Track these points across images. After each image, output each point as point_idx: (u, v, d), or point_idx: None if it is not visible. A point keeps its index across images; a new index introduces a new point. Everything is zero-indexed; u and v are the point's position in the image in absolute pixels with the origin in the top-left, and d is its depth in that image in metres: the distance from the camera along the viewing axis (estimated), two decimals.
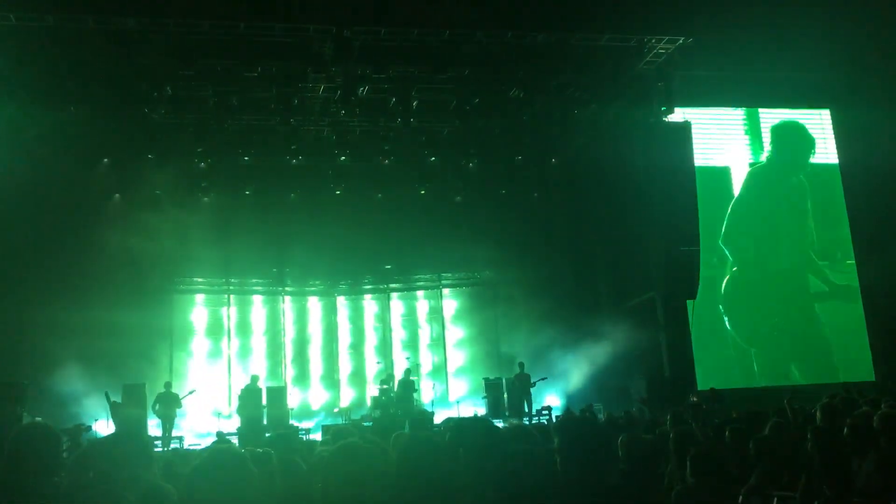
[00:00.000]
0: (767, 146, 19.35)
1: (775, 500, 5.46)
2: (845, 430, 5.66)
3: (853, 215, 18.83)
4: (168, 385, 16.33)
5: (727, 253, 18.75)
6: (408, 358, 19.74)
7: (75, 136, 16.69)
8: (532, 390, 17.72)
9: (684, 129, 16.65)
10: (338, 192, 19.35)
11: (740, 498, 5.52)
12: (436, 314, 21.31)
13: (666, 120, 16.74)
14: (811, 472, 5.32)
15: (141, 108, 15.88)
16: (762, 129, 19.42)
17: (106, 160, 17.85)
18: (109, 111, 15.99)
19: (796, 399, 9.02)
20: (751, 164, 19.29)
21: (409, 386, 17.92)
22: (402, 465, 2.89)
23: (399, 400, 17.48)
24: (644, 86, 16.52)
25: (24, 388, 14.57)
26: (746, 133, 19.44)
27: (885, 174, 18.12)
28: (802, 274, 18.93)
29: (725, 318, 18.58)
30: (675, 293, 16.87)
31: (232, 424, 16.68)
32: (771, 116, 19.48)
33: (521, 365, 17.86)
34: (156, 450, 12.49)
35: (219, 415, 18.08)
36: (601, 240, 19.71)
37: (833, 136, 19.39)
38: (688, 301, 17.03)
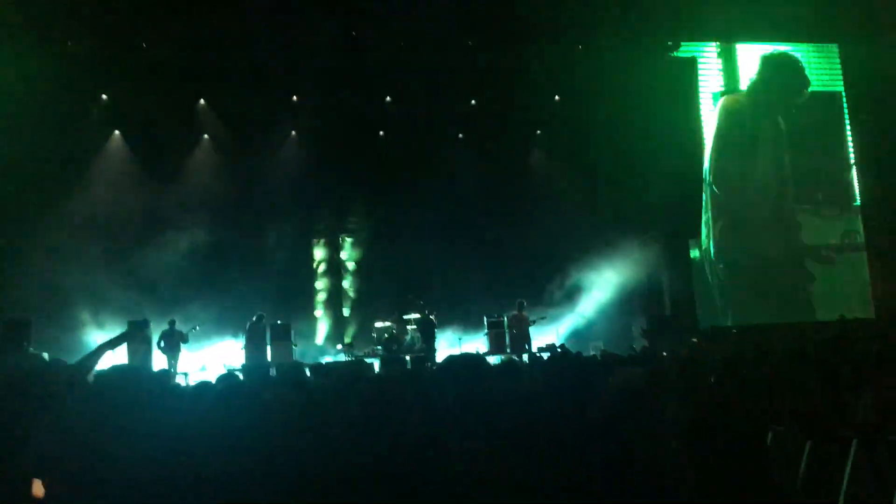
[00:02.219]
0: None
1: (770, 435, 5.52)
2: (843, 365, 5.70)
3: (860, 148, 18.50)
4: (172, 322, 16.44)
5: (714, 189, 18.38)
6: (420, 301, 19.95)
7: (74, 72, 16.49)
8: (532, 329, 17.85)
9: (690, 64, 16.39)
10: (339, 130, 19.14)
11: (742, 431, 5.57)
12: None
13: (672, 55, 16.49)
14: (809, 407, 5.37)
15: (139, 44, 15.66)
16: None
17: (104, 96, 17.67)
18: (107, 47, 15.79)
19: (790, 337, 9.08)
20: (723, 93, 18.67)
21: (429, 325, 18.10)
22: (395, 399, 2.91)
23: (424, 339, 17.76)
24: (651, 20, 16.22)
25: (29, 323, 14.70)
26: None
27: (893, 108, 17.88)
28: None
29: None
30: (678, 232, 16.85)
31: (236, 360, 16.85)
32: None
33: (521, 303, 17.94)
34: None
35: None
36: (604, 179, 19.56)
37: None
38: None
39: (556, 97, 19.84)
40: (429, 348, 17.58)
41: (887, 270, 17.79)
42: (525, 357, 15.84)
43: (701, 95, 17.47)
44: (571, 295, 18.85)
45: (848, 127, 18.68)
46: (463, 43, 16.66)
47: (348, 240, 20.90)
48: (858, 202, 18.44)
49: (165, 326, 16.35)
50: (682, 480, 3.70)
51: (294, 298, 19.54)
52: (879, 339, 9.06)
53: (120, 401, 3.38)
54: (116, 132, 18.08)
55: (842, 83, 18.66)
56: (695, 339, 13.94)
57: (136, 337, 15.69)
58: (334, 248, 20.71)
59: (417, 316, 18.67)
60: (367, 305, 20.42)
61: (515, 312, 17.91)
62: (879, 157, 18.10)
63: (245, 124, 18.69)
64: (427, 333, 17.95)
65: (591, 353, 15.01)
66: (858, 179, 18.42)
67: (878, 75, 18.11)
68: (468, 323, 19.72)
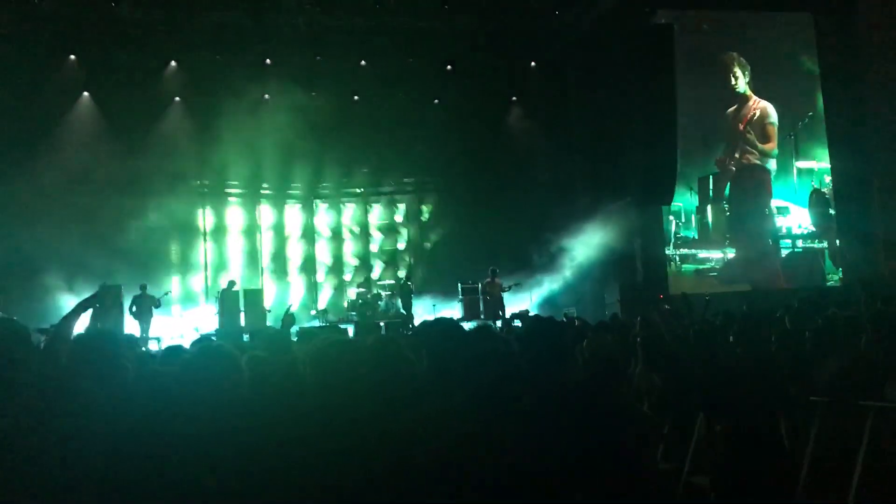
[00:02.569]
0: None
1: (739, 399, 5.60)
2: (808, 333, 5.79)
3: (832, 126, 18.65)
4: (144, 287, 16.29)
5: None
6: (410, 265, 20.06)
7: (41, 31, 16.13)
8: (505, 295, 17.94)
9: (667, 31, 16.34)
10: (313, 94, 18.95)
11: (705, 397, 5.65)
12: (413, 218, 21.31)
13: (649, 22, 16.44)
14: (773, 374, 5.45)
15: (108, 3, 15.31)
16: None
17: (73, 56, 17.31)
18: (76, 5, 15.45)
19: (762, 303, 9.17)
20: None
21: (406, 291, 18.21)
22: (370, 365, 2.92)
23: (404, 305, 17.95)
24: None
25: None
26: None
27: (867, 83, 18.00)
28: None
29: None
30: (651, 199, 16.91)
31: (209, 325, 16.79)
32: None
33: (493, 271, 18.00)
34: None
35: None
36: (580, 144, 19.58)
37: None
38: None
39: (532, 63, 19.79)
40: (407, 314, 17.71)
41: (854, 236, 18.05)
42: (499, 323, 15.95)
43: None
44: (545, 261, 18.91)
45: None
46: (440, 6, 16.47)
47: (322, 205, 20.82)
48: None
49: (137, 291, 16.20)
50: (648, 443, 3.76)
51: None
52: (848, 304, 9.22)
53: (95, 365, 3.36)
54: (85, 94, 17.75)
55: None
56: (667, 307, 14.04)
57: (107, 300, 15.54)
58: (308, 213, 20.63)
59: (391, 282, 18.67)
60: (341, 271, 20.45)
61: (489, 279, 17.96)
62: (854, 130, 18.27)
63: (217, 87, 18.42)
64: (405, 299, 18.07)
65: (563, 319, 15.13)
66: (831, 157, 18.60)
67: (852, 47, 18.24)
68: (443, 289, 19.80)
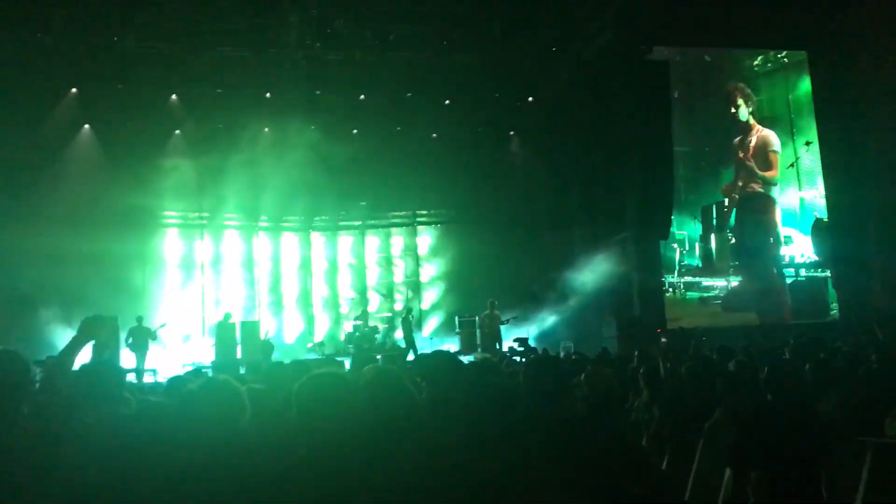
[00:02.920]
0: None
1: (737, 432, 5.58)
2: (808, 367, 5.79)
3: (827, 164, 18.76)
4: (140, 319, 16.25)
5: None
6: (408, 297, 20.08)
7: (43, 64, 16.26)
8: (503, 328, 17.91)
9: (663, 66, 16.52)
10: (312, 127, 19.10)
11: (704, 432, 5.64)
12: (410, 251, 21.35)
13: (645, 59, 16.62)
14: (773, 409, 5.43)
15: (110, 37, 15.46)
16: None
17: (74, 90, 17.45)
18: (78, 39, 15.59)
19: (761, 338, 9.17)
20: None
21: (408, 323, 18.26)
22: (368, 397, 2.91)
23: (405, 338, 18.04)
24: (624, 24, 16.35)
25: None
26: None
27: (860, 116, 18.16)
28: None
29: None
30: (648, 233, 16.96)
31: (205, 357, 16.73)
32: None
33: (493, 303, 17.98)
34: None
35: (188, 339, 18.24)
36: (577, 179, 19.70)
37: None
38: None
39: (530, 98, 19.98)
40: (409, 346, 17.69)
41: (849, 275, 18.05)
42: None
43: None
44: (543, 294, 18.93)
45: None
46: (438, 42, 16.65)
47: (320, 237, 20.88)
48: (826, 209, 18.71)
49: (133, 323, 16.15)
50: (650, 478, 3.74)
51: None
52: (847, 339, 9.23)
53: (96, 398, 3.36)
54: (86, 126, 17.86)
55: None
56: (664, 340, 14.02)
57: (103, 332, 15.44)
58: (306, 246, 20.67)
59: (388, 314, 18.66)
60: (337, 304, 20.44)
61: (487, 311, 17.94)
62: (848, 166, 18.38)
63: (217, 120, 18.58)
64: (407, 331, 18.06)
65: (561, 353, 15.10)
66: (826, 189, 18.67)
67: (847, 83, 18.42)
68: (440, 321, 19.82)
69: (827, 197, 18.64)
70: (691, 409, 5.50)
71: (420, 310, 20.70)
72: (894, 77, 17.05)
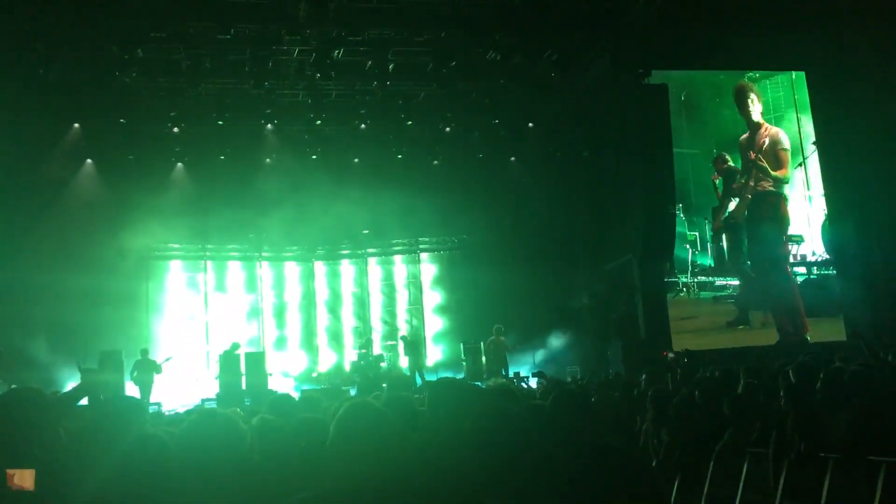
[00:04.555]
0: None
1: (748, 456, 5.55)
2: (818, 386, 5.75)
3: (828, 184, 18.73)
4: (145, 352, 16.23)
5: None
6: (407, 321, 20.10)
7: (45, 100, 16.39)
8: (509, 354, 17.86)
9: (662, 90, 16.60)
10: (314, 157, 19.21)
11: (714, 455, 5.61)
12: (413, 279, 21.34)
13: (644, 83, 16.70)
14: (784, 428, 5.41)
15: (112, 72, 15.59)
16: None
17: (77, 125, 17.58)
18: (80, 75, 15.73)
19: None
20: None
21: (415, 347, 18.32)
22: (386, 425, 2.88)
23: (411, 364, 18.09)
24: (622, 49, 16.47)
25: (1, 354, 14.47)
26: None
27: (860, 137, 18.18)
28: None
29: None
30: (653, 255, 16.94)
31: (211, 390, 16.67)
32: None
33: (499, 329, 17.93)
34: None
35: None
36: (579, 203, 19.75)
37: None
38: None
39: (530, 124, 20.09)
40: (415, 373, 17.67)
41: (857, 296, 17.97)
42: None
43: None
44: (547, 319, 18.90)
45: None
46: (438, 70, 16.77)
47: (323, 266, 20.89)
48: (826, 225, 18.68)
49: (138, 356, 16.12)
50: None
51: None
52: (853, 358, 9.16)
53: (100, 434, 3.34)
54: (89, 160, 17.97)
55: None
56: (671, 354, 13.93)
57: (105, 370, 15.53)
58: (309, 275, 20.68)
59: (393, 343, 18.62)
60: (342, 333, 20.41)
61: (493, 338, 17.87)
62: (848, 185, 18.38)
63: (219, 151, 18.68)
64: (414, 358, 18.07)
65: (567, 378, 15.04)
66: (827, 205, 18.63)
67: (846, 103, 18.46)
68: (446, 348, 19.78)
69: (829, 213, 18.61)
70: (701, 432, 5.47)
71: (423, 336, 20.69)
72: (893, 96, 17.10)
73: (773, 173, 18.44)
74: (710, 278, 18.09)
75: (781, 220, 18.43)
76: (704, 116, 18.72)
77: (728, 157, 18.38)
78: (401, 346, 19.22)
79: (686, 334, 16.77)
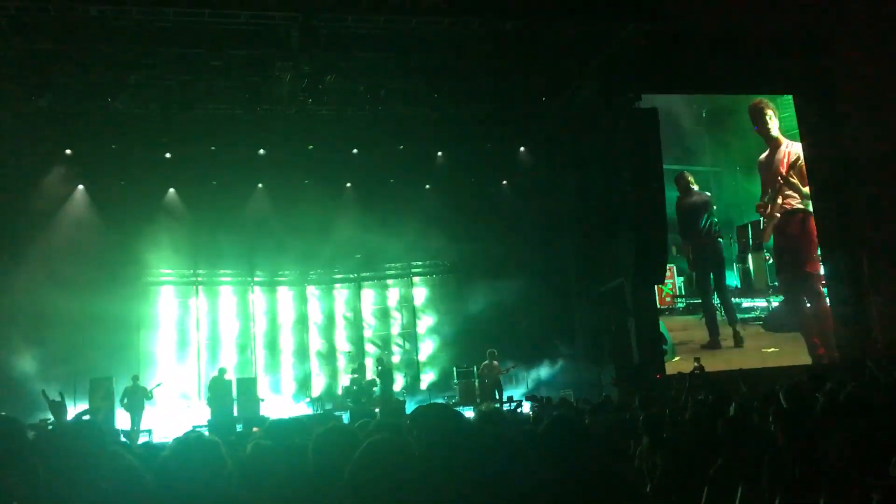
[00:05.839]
0: None
1: (743, 480, 5.52)
2: (813, 409, 5.74)
3: (818, 207, 18.79)
4: (136, 378, 16.15)
5: None
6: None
7: (37, 126, 16.40)
8: (502, 378, 17.81)
9: (651, 115, 16.71)
10: (306, 182, 19.21)
11: (708, 479, 5.58)
12: (406, 302, 21.30)
13: (634, 107, 16.82)
14: (776, 453, 5.38)
15: (104, 98, 15.62)
16: None
17: (69, 151, 17.59)
18: (72, 101, 15.75)
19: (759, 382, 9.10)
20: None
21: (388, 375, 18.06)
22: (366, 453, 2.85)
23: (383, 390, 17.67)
24: (612, 73, 16.60)
25: None
26: None
27: (849, 161, 18.30)
28: None
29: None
30: (644, 279, 16.97)
31: (202, 416, 16.54)
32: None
33: (492, 353, 17.90)
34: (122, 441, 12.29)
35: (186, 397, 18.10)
36: (571, 227, 19.80)
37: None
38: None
39: (521, 148, 20.19)
40: (387, 399, 17.32)
41: (848, 312, 18.01)
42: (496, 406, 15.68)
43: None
44: (540, 342, 18.89)
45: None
46: (430, 94, 16.85)
47: (315, 291, 20.85)
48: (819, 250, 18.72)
49: (129, 383, 16.02)
50: None
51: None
52: (848, 381, 9.14)
53: (70, 461, 3.29)
54: (80, 186, 17.94)
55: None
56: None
57: (98, 393, 15.49)
58: (301, 300, 20.63)
59: (380, 368, 18.47)
60: (334, 357, 20.33)
61: (486, 362, 17.82)
62: (839, 204, 18.46)
63: (211, 176, 18.68)
64: (385, 383, 17.79)
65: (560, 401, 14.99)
66: (819, 230, 18.65)
67: (832, 124, 18.61)
68: (438, 372, 19.69)
69: (819, 238, 18.63)
70: (695, 456, 5.44)
71: (416, 361, 20.64)
72: (881, 118, 17.25)
73: (802, 189, 18.38)
74: (737, 300, 17.99)
75: (810, 238, 18.26)
76: (726, 133, 18.74)
77: (690, 176, 18.31)
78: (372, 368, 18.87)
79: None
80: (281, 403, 18.71)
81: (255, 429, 16.98)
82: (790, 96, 19.01)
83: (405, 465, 2.73)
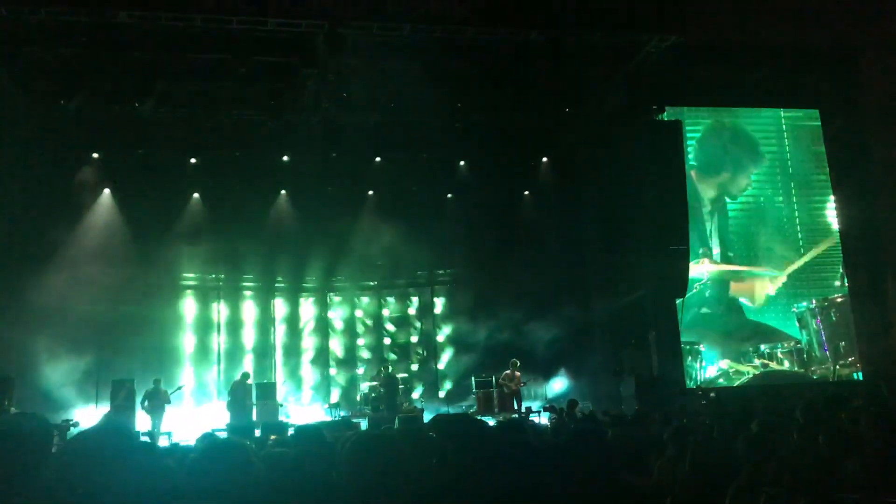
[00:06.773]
0: None
1: (763, 496, 5.48)
2: (831, 427, 5.69)
3: (844, 229, 18.67)
4: (157, 381, 16.25)
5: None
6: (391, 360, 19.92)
7: (65, 131, 16.63)
8: (522, 389, 17.73)
9: (675, 127, 16.67)
10: (329, 189, 19.31)
11: (729, 494, 5.54)
12: (427, 311, 21.30)
13: (657, 119, 16.79)
14: (796, 469, 5.34)
15: (131, 103, 15.82)
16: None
17: (96, 155, 17.79)
18: (99, 106, 15.96)
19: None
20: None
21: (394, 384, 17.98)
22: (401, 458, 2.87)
23: (388, 399, 17.51)
24: (636, 85, 16.57)
25: (11, 381, 14.53)
26: None
27: (875, 180, 18.18)
28: None
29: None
30: (665, 292, 16.89)
31: (220, 420, 16.62)
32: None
33: (514, 363, 17.78)
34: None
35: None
36: (591, 239, 19.73)
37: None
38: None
39: (544, 159, 20.17)
40: (390, 408, 17.24)
41: (872, 332, 17.85)
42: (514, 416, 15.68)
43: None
44: (560, 355, 18.80)
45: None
46: (453, 104, 16.91)
47: (336, 298, 20.90)
48: (841, 264, 18.59)
49: (150, 386, 16.14)
50: None
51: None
52: (869, 399, 9.06)
53: (99, 463, 3.32)
54: (106, 190, 18.13)
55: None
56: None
57: (119, 395, 15.64)
58: (322, 306, 20.69)
59: (404, 375, 18.46)
60: (354, 364, 20.37)
61: (508, 371, 17.72)
62: (863, 219, 18.33)
63: (235, 183, 18.81)
64: (390, 393, 17.70)
65: (578, 414, 14.92)
66: (842, 246, 18.56)
67: (858, 139, 18.49)
68: (456, 382, 19.69)
69: (844, 255, 18.50)
70: (718, 471, 5.41)
71: (434, 370, 20.63)
72: None
73: None
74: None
75: None
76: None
77: None
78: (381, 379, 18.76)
79: None
80: (299, 409, 18.76)
81: (272, 437, 17.08)
82: None
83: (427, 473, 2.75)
